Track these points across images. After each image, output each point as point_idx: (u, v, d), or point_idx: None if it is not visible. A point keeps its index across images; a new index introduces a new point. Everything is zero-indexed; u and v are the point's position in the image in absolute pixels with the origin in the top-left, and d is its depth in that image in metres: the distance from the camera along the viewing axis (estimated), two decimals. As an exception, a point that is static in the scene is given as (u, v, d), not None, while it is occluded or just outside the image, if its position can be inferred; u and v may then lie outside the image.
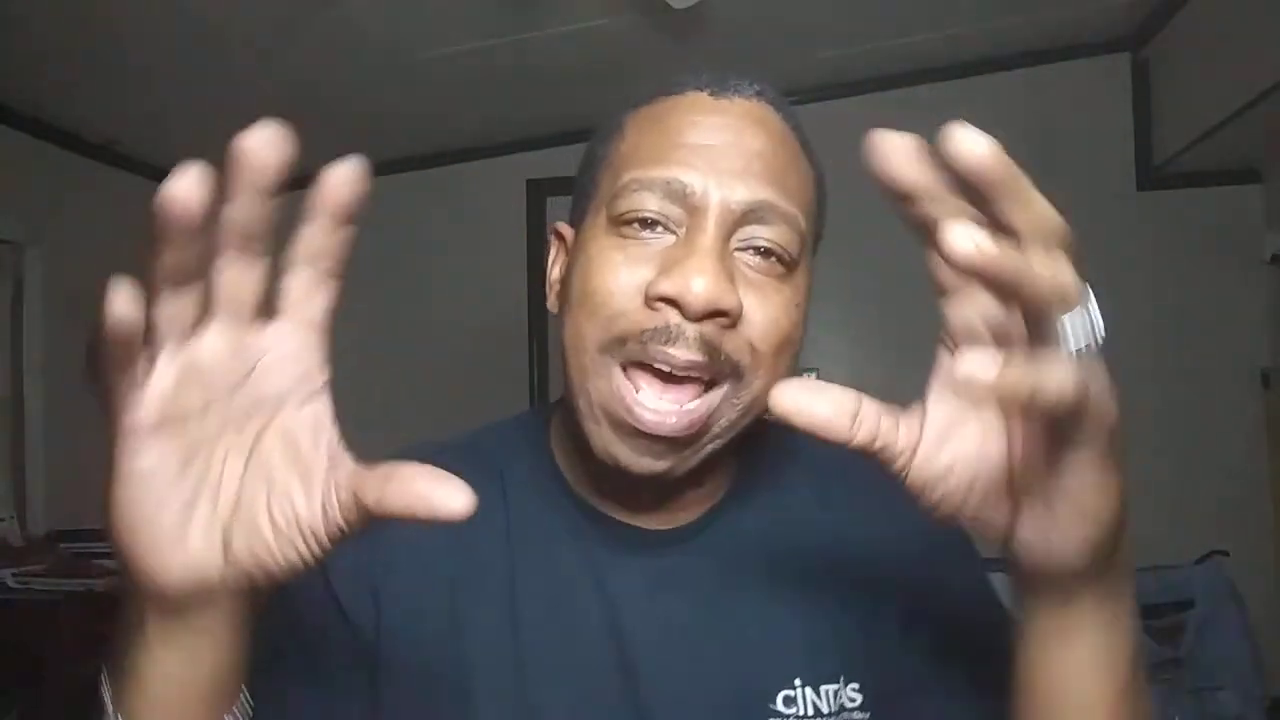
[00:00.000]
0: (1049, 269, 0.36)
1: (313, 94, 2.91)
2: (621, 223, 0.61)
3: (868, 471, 0.71)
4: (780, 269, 0.61)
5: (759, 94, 0.64)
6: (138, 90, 2.78)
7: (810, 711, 0.64)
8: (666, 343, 0.58)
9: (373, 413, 3.25)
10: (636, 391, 0.59)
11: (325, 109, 3.03)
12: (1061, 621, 0.46)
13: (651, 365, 0.59)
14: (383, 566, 0.67)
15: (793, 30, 2.67)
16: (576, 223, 0.68)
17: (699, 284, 0.56)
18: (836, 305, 3.08)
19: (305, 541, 0.41)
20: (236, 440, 0.41)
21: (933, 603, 0.68)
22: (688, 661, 0.65)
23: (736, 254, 0.60)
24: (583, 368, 0.61)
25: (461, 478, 0.71)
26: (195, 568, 0.40)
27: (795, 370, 0.65)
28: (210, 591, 0.40)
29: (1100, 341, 0.40)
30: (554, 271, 0.71)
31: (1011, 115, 2.91)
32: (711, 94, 0.63)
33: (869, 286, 3.04)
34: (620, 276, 0.60)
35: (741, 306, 0.59)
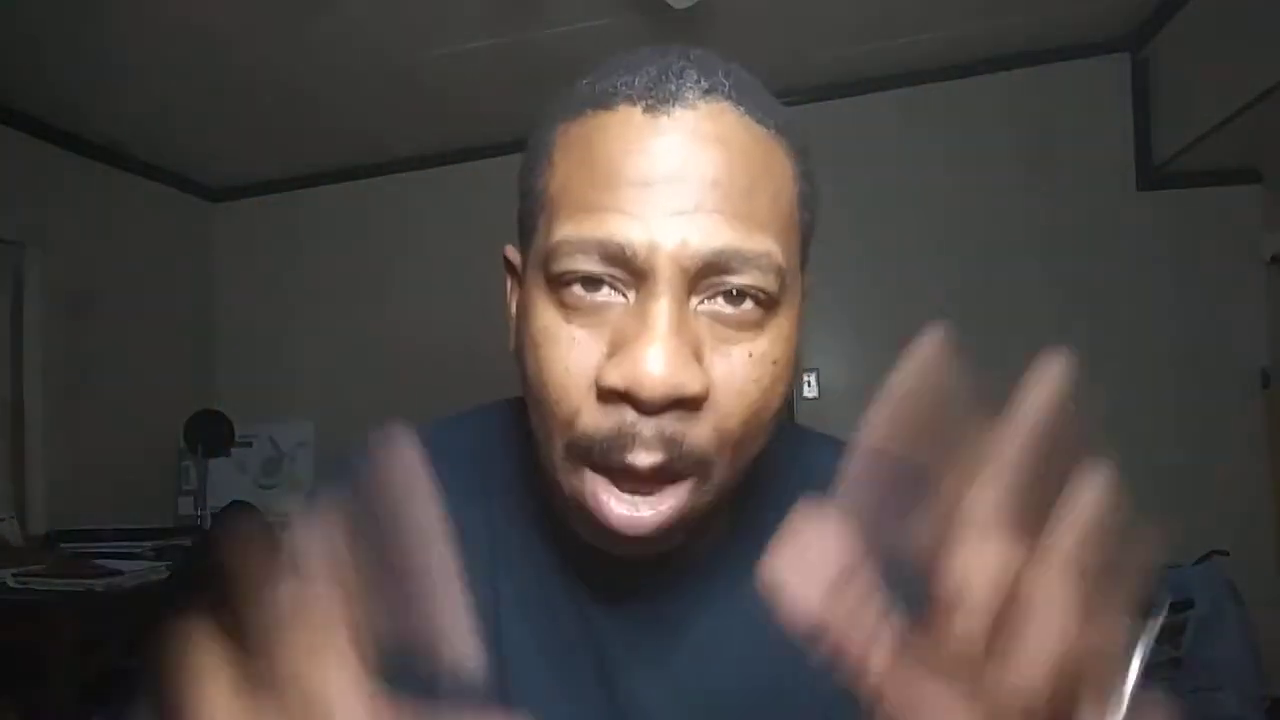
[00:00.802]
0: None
1: (313, 94, 2.91)
2: (561, 285, 0.51)
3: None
4: (757, 312, 0.52)
5: (708, 92, 0.52)
6: (138, 90, 2.78)
7: None
8: (624, 450, 0.50)
9: (372, 411, 3.26)
10: (608, 502, 0.53)
11: (325, 109, 3.03)
12: None
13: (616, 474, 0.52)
14: None
15: (793, 30, 2.67)
16: (524, 253, 0.59)
17: (653, 368, 0.48)
18: (837, 304, 3.08)
19: None
20: None
21: None
22: (688, 713, 0.60)
23: (703, 306, 0.51)
24: (553, 464, 0.55)
25: (442, 483, 0.68)
26: None
27: (778, 421, 0.56)
28: None
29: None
30: (512, 305, 0.62)
31: (1012, 115, 2.92)
32: (647, 109, 0.51)
33: (870, 285, 3.04)
34: (570, 367, 0.51)
35: (708, 388, 0.50)
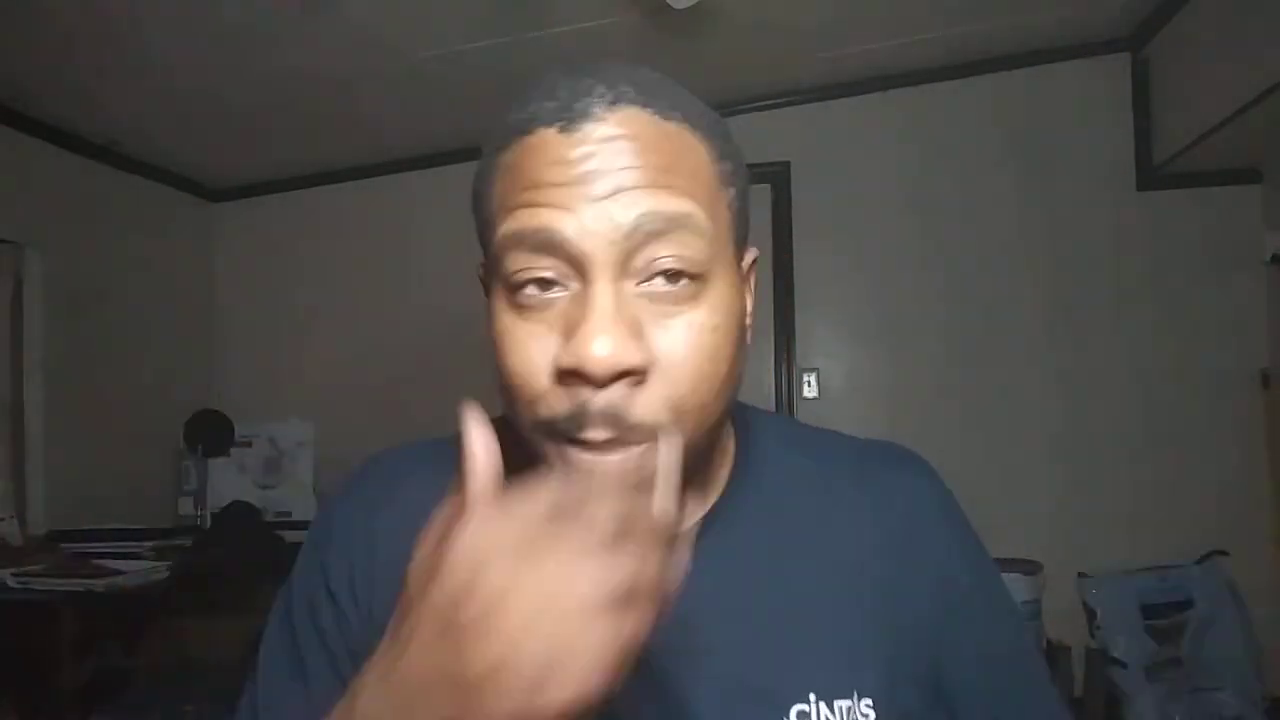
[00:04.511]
0: None
1: (313, 94, 2.91)
2: (515, 288, 0.57)
3: (880, 474, 0.71)
4: (692, 286, 0.56)
5: (614, 103, 0.56)
6: (137, 90, 2.78)
7: None
8: (580, 429, 0.55)
9: (372, 411, 3.26)
10: (575, 459, 0.57)
11: (326, 109, 3.03)
12: None
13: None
14: (377, 577, 0.67)
15: (793, 30, 2.67)
16: (484, 272, 0.65)
17: (597, 348, 0.52)
18: (836, 304, 3.08)
19: None
20: None
21: (959, 626, 0.68)
22: (698, 674, 0.62)
23: (641, 288, 0.56)
24: (529, 439, 0.60)
25: (455, 478, 0.71)
26: None
27: (734, 387, 0.61)
28: None
29: None
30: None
31: (1012, 115, 2.92)
32: (561, 129, 0.56)
33: (869, 285, 3.04)
34: (529, 357, 0.57)
35: (650, 359, 0.55)
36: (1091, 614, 2.60)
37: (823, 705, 0.62)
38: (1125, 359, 2.80)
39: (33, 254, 2.91)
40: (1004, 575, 0.75)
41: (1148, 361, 2.79)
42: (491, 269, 0.61)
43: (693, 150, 0.58)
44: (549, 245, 0.55)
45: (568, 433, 0.56)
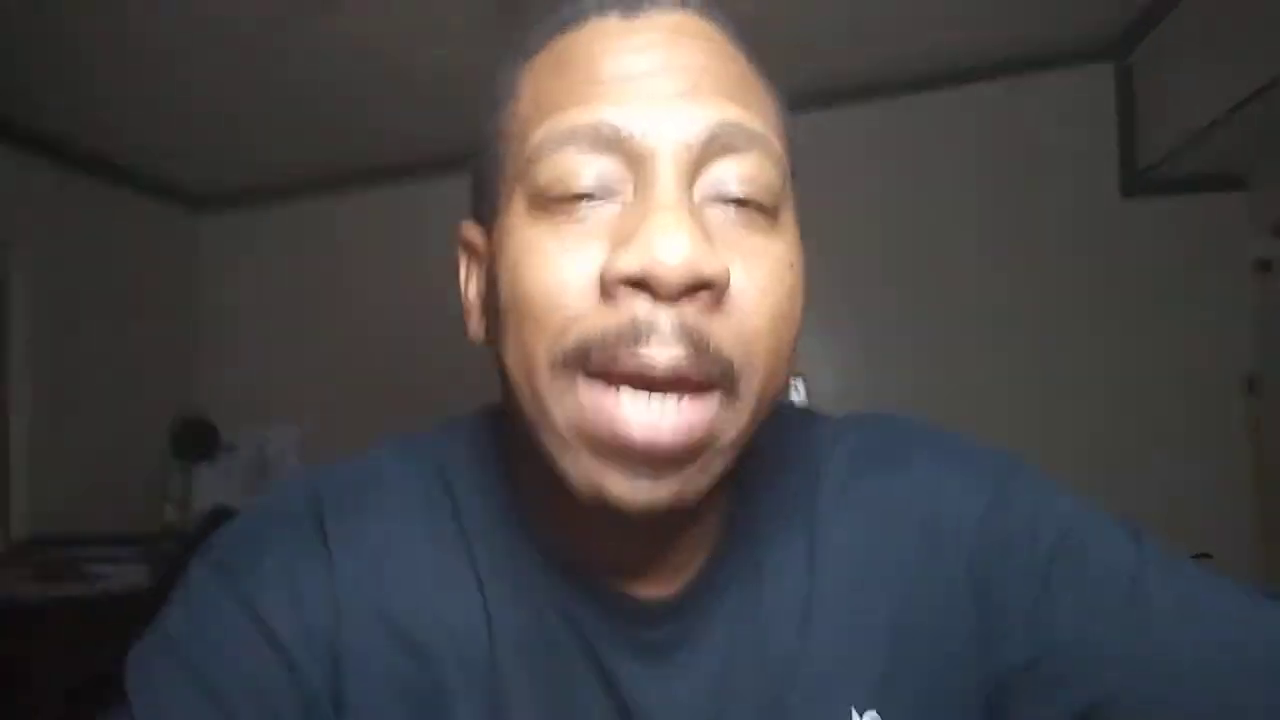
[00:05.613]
0: None
1: (312, 100, 2.89)
2: (548, 201, 0.45)
3: (901, 508, 0.60)
4: (762, 220, 0.46)
5: (683, 3, 0.49)
6: (123, 98, 2.76)
7: None
8: (638, 343, 0.42)
9: (357, 418, 3.24)
10: (618, 404, 0.43)
11: (325, 114, 3.02)
12: None
13: (625, 377, 0.43)
14: (343, 628, 0.53)
15: (777, 41, 2.66)
16: (487, 219, 0.52)
17: (671, 247, 0.41)
18: (822, 311, 3.08)
19: None
20: None
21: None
22: None
23: (704, 210, 0.45)
24: (537, 392, 0.45)
25: (415, 519, 0.56)
26: None
27: (793, 354, 0.49)
28: None
29: None
30: (469, 290, 0.56)
31: (997, 124, 2.93)
32: (622, 15, 0.47)
33: (854, 292, 3.05)
34: (563, 268, 0.44)
35: (729, 274, 0.43)
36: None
37: None
38: (1109, 365, 2.82)
39: (18, 259, 2.89)
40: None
41: (1132, 367, 2.80)
42: (503, 190, 0.49)
43: (763, 84, 0.51)
44: (607, 141, 0.44)
45: (617, 357, 0.42)
